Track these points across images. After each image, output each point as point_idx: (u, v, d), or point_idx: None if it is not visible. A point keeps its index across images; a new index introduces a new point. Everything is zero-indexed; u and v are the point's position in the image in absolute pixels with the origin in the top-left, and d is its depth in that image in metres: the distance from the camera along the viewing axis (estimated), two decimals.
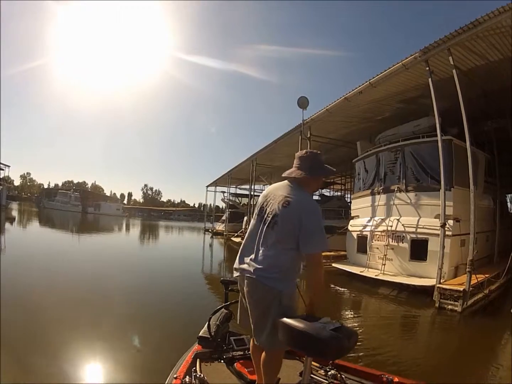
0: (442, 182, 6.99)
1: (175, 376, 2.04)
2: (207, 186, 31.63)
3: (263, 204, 2.00)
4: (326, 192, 26.59)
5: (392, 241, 8.52)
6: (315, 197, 22.17)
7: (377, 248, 8.92)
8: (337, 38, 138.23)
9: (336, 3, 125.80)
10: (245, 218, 22.53)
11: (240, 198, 30.78)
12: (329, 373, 2.15)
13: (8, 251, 10.84)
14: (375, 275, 8.16)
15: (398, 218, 8.64)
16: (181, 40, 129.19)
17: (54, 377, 2.96)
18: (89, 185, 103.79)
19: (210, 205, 40.01)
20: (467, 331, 5.51)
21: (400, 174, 9.07)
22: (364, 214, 10.19)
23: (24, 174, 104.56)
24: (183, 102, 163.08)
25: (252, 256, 1.91)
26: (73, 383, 2.96)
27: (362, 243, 9.63)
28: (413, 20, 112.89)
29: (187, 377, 2.01)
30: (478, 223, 6.96)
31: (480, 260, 7.86)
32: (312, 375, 2.08)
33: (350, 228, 10.65)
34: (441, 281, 6.64)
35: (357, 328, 5.11)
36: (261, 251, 1.88)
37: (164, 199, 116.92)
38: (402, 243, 8.34)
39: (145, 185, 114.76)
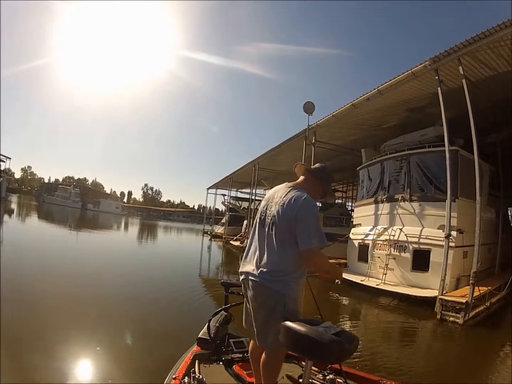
0: (448, 193, 6.91)
1: (173, 376, 2.03)
2: (208, 188, 31.61)
3: (264, 207, 2.04)
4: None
5: (394, 251, 8.42)
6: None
7: (379, 257, 8.81)
8: (339, 37, 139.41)
9: (338, 3, 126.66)
10: (245, 221, 22.46)
11: (240, 202, 30.73)
12: (327, 377, 2.16)
13: (5, 244, 10.74)
14: (376, 285, 8.04)
15: (401, 227, 8.55)
16: (184, 38, 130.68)
17: (53, 377, 2.94)
18: (90, 182, 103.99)
19: (210, 207, 40.03)
20: (468, 343, 5.41)
21: (405, 183, 8.99)
22: (367, 223, 10.10)
23: (25, 167, 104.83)
24: (185, 101, 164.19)
25: (256, 259, 1.93)
26: (72, 383, 2.94)
27: (364, 252, 9.53)
28: (414, 20, 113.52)
29: (186, 378, 2.00)
30: (482, 234, 6.88)
31: (482, 272, 7.75)
32: (310, 380, 2.07)
33: (351, 236, 10.56)
34: (443, 292, 6.53)
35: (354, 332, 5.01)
36: (264, 254, 1.89)
37: (164, 199, 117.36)
38: (404, 253, 8.24)
39: (146, 185, 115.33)
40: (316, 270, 1.93)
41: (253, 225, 2.07)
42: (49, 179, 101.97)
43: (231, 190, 28.80)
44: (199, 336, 2.48)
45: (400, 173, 9.22)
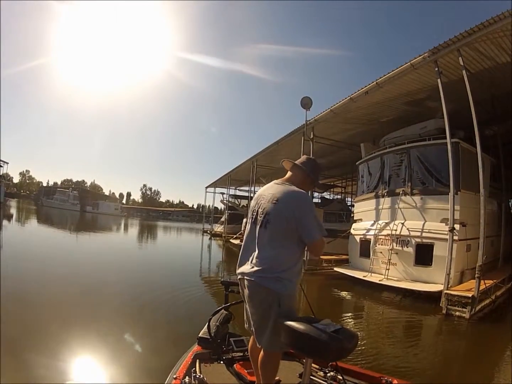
0: (452, 186, 6.80)
1: (174, 376, 2.03)
2: (206, 187, 31.47)
3: (255, 206, 2.02)
4: (326, 195, 26.45)
5: (396, 246, 8.32)
6: (316, 200, 22.06)
7: (381, 252, 8.71)
8: (339, 37, 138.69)
9: (337, 3, 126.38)
10: (244, 220, 22.33)
11: (239, 200, 30.62)
12: (328, 374, 2.18)
13: (4, 248, 10.70)
14: (379, 280, 7.94)
15: (402, 222, 8.44)
16: (182, 39, 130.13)
17: (53, 377, 2.93)
18: (88, 184, 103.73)
19: (209, 206, 39.92)
20: (475, 339, 5.31)
21: (406, 177, 8.87)
22: (368, 218, 9.99)
23: (23, 171, 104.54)
24: (183, 101, 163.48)
25: (251, 258, 1.93)
26: (72, 383, 2.92)
27: (365, 247, 9.43)
28: (414, 20, 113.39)
29: (187, 377, 2.01)
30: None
31: (485, 265, 7.64)
32: (311, 377, 2.10)
33: (352, 231, 10.45)
34: (448, 287, 6.44)
35: (359, 332, 4.96)
36: (258, 253, 1.90)
37: (162, 199, 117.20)
38: (407, 247, 8.14)
39: (144, 185, 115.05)
40: (317, 257, 1.96)
41: (246, 224, 2.06)
42: (47, 183, 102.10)
43: (229, 188, 28.67)
44: (199, 335, 2.48)
45: (400, 167, 9.10)
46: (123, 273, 8.50)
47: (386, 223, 8.90)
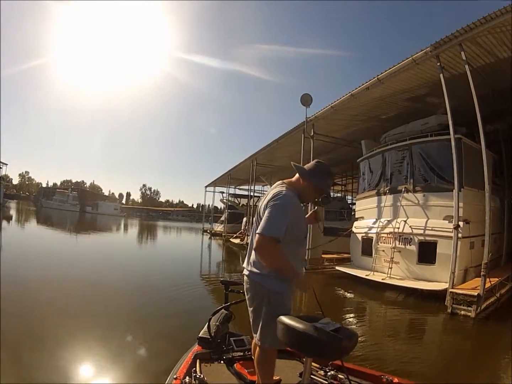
0: (456, 183, 6.68)
1: (175, 376, 2.03)
2: (206, 187, 31.36)
3: (258, 204, 2.08)
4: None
5: (399, 244, 8.20)
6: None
7: (383, 250, 8.59)
8: (339, 37, 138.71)
9: (338, 3, 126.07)
10: (244, 219, 22.26)
11: (239, 199, 30.50)
12: (329, 373, 2.17)
13: (4, 250, 10.72)
14: (382, 279, 7.83)
15: (405, 219, 8.32)
16: (181, 39, 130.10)
17: (53, 377, 2.93)
18: (88, 184, 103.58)
19: (209, 205, 39.83)
20: (482, 338, 5.20)
21: (408, 174, 8.75)
22: (369, 215, 9.87)
23: (22, 172, 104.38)
24: (183, 102, 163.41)
25: (248, 255, 2.01)
26: (72, 383, 2.92)
27: (367, 246, 9.31)
28: (414, 20, 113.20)
29: (187, 377, 2.01)
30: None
31: (489, 262, 7.59)
32: (312, 376, 2.10)
33: (354, 229, 10.33)
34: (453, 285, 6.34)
35: (363, 332, 4.92)
36: (254, 250, 1.91)
37: (162, 199, 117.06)
38: (410, 245, 8.02)
39: (144, 185, 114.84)
40: (267, 263, 1.82)
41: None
42: (47, 184, 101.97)
43: (229, 187, 28.54)
44: (199, 335, 2.48)
45: (402, 164, 8.97)
46: (122, 274, 8.43)
47: (388, 221, 8.78)
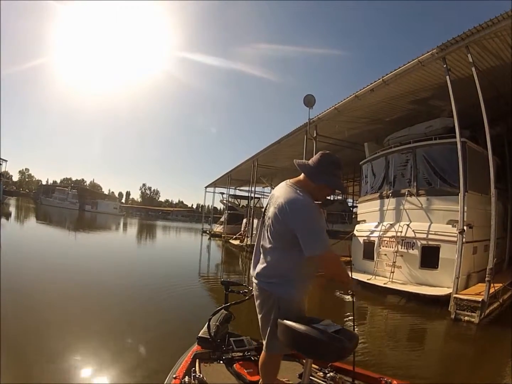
0: (461, 186, 6.61)
1: (174, 376, 2.03)
2: (206, 187, 31.27)
3: (266, 207, 1.97)
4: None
5: (401, 248, 8.09)
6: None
7: (385, 254, 8.49)
8: (339, 37, 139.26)
9: (338, 3, 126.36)
10: (244, 220, 22.13)
11: (239, 200, 30.38)
12: (328, 375, 2.17)
13: (4, 247, 10.62)
14: (384, 284, 7.72)
15: (408, 223, 8.23)
16: (181, 39, 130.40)
17: (53, 377, 2.93)
18: (87, 183, 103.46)
19: (208, 206, 39.72)
20: (485, 344, 5.11)
21: (411, 177, 8.65)
22: (372, 219, 9.77)
23: (22, 169, 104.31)
24: (183, 101, 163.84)
25: (257, 260, 1.95)
26: (72, 383, 2.93)
27: (369, 249, 9.20)
28: (415, 20, 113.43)
29: (186, 377, 2.01)
30: (489, 229, 6.59)
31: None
32: (311, 377, 2.09)
33: (356, 233, 10.23)
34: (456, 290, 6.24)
35: (364, 336, 4.84)
36: (262, 256, 1.90)
37: (162, 199, 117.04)
38: (412, 249, 7.92)
39: (144, 185, 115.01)
40: (330, 276, 1.86)
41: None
42: (47, 181, 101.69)
43: (229, 188, 28.44)
44: (199, 335, 2.49)
45: (406, 167, 8.89)
46: (121, 274, 8.35)
47: (390, 224, 8.68)
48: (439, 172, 8.23)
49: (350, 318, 6.00)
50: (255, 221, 18.22)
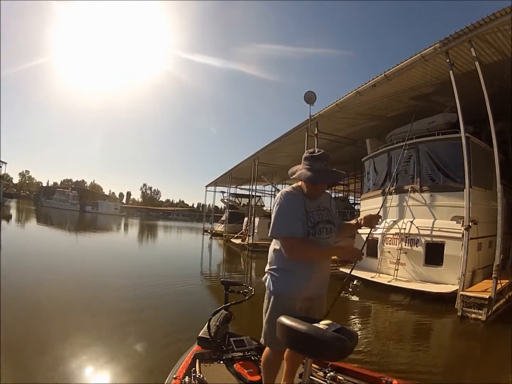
0: (467, 182, 6.53)
1: (174, 376, 2.04)
2: (207, 186, 31.20)
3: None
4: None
5: (405, 245, 8.01)
6: None
7: (389, 252, 8.40)
8: (338, 37, 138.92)
9: (337, 3, 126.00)
10: (245, 219, 22.05)
11: (240, 199, 30.29)
12: (328, 374, 2.18)
13: (4, 249, 10.65)
14: (388, 281, 7.62)
15: (411, 220, 8.15)
16: (182, 39, 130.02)
17: (53, 377, 2.94)
18: (88, 184, 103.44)
19: (209, 205, 39.68)
20: (494, 342, 5.03)
21: (414, 173, 8.57)
22: None
23: (23, 171, 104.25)
24: (183, 101, 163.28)
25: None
26: (72, 383, 2.92)
27: (373, 247, 9.11)
28: (414, 20, 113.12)
29: (187, 377, 2.02)
30: (493, 225, 6.53)
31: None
32: (311, 377, 2.11)
33: (359, 230, 10.12)
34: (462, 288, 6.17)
35: (369, 335, 4.85)
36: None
37: (162, 198, 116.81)
38: (416, 246, 7.83)
39: (144, 185, 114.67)
40: (299, 259, 1.84)
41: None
42: (47, 183, 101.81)
43: (230, 187, 28.36)
44: (199, 335, 2.49)
45: (408, 163, 8.79)
46: (121, 274, 8.32)
47: (394, 221, 8.59)
48: (442, 168, 8.14)
49: (349, 317, 5.98)
50: (256, 219, 18.16)
